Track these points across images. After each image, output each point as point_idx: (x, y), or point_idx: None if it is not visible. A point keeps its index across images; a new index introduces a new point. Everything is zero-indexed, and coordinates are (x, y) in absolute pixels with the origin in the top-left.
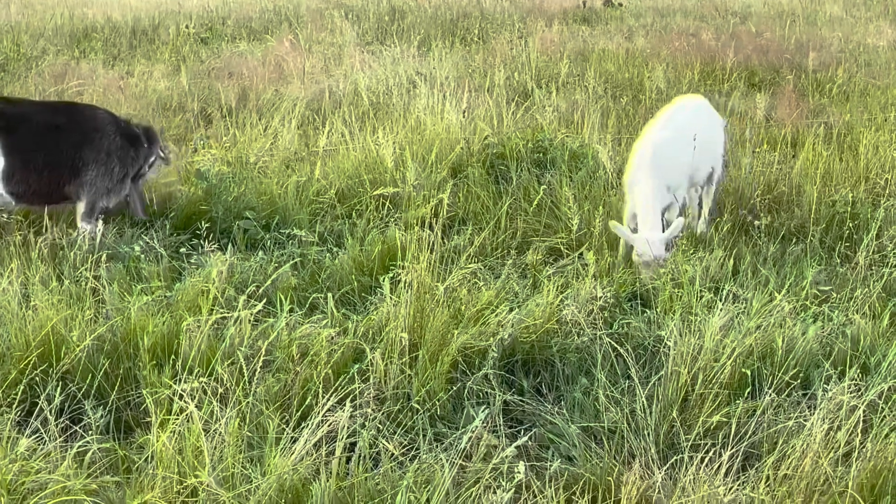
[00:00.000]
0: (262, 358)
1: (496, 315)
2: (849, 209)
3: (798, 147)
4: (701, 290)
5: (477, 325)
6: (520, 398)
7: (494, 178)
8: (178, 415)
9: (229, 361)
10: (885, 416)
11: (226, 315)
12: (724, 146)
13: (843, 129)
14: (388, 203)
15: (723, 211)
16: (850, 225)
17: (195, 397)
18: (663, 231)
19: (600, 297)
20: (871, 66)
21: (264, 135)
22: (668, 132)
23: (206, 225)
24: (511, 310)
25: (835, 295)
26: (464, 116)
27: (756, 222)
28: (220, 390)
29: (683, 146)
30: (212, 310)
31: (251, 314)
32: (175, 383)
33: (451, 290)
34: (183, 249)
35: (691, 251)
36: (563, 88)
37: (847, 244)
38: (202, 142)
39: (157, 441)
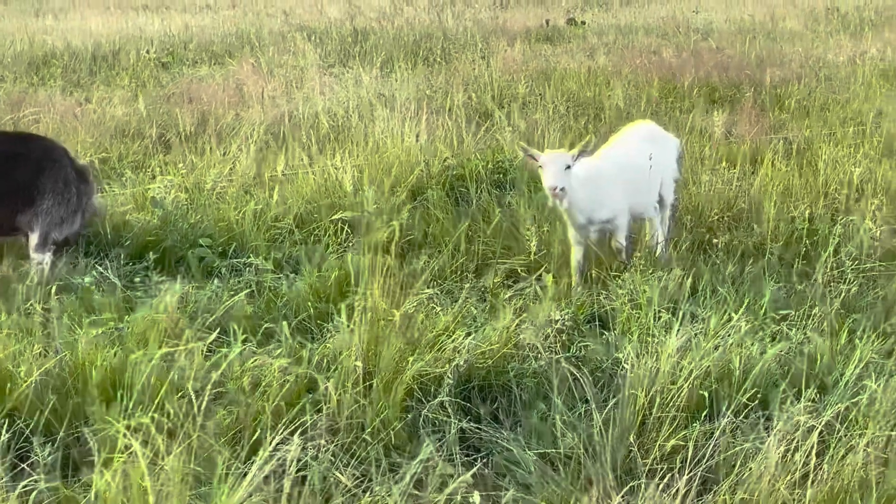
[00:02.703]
0: (212, 390)
1: (453, 341)
2: (807, 226)
3: (758, 163)
4: (659, 311)
5: (433, 351)
6: (476, 425)
7: (454, 200)
8: (123, 453)
9: (179, 395)
10: (841, 438)
11: (177, 346)
12: (678, 169)
13: (802, 145)
14: (346, 227)
15: (682, 230)
16: (809, 242)
17: (142, 433)
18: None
19: (558, 320)
20: (831, 80)
21: (223, 160)
22: (601, 163)
23: (161, 253)
24: (468, 335)
25: (793, 313)
26: (420, 139)
27: (715, 240)
28: (169, 425)
29: (614, 179)
30: (163, 342)
31: (203, 345)
32: (123, 419)
33: (407, 316)
34: (137, 279)
35: (650, 271)
36: (524, 108)
37: (805, 261)
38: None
39: (101, 480)
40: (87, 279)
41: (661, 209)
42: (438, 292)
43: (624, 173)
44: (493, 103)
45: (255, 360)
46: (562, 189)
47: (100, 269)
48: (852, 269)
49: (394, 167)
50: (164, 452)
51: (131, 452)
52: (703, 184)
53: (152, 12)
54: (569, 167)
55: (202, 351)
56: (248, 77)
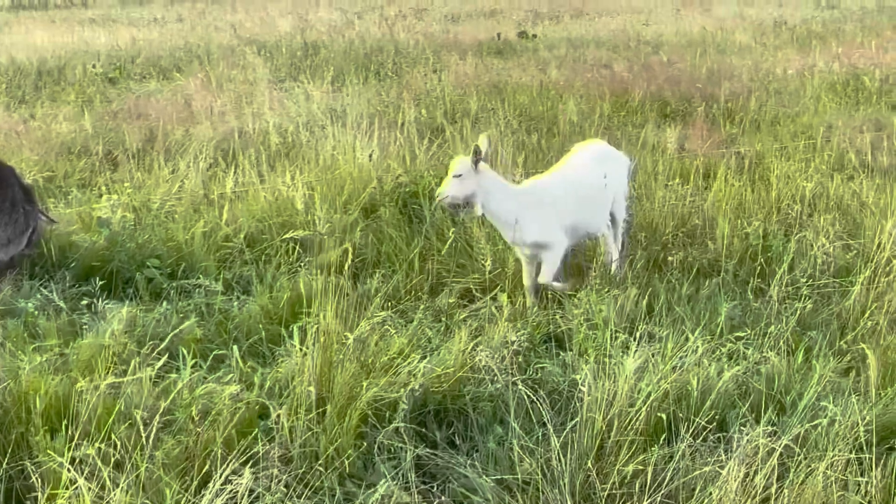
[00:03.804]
0: (161, 419)
1: (408, 364)
2: (761, 242)
3: (710, 178)
4: (616, 331)
5: (388, 375)
6: (432, 451)
7: (407, 218)
8: (68, 487)
9: (127, 424)
10: (801, 461)
11: (125, 373)
12: (629, 186)
13: (754, 159)
14: (298, 247)
15: (637, 247)
16: (763, 258)
17: (88, 465)
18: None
19: (514, 342)
20: (780, 94)
21: (171, 178)
22: (543, 182)
23: (108, 275)
24: (423, 358)
25: (749, 331)
26: (373, 155)
27: (670, 258)
28: (116, 456)
29: (555, 201)
30: (110, 368)
31: (152, 371)
32: (69, 450)
33: (361, 339)
34: (84, 302)
35: (605, 290)
36: (476, 123)
37: (760, 278)
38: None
39: None
40: (31, 304)
41: (612, 227)
42: (393, 314)
43: (570, 194)
44: (445, 119)
45: (206, 386)
46: (446, 198)
47: (45, 292)
48: (807, 286)
49: (346, 184)
50: (110, 486)
51: (76, 487)
52: (657, 200)
53: (99, 26)
54: (458, 176)
55: (150, 378)
56: (197, 92)
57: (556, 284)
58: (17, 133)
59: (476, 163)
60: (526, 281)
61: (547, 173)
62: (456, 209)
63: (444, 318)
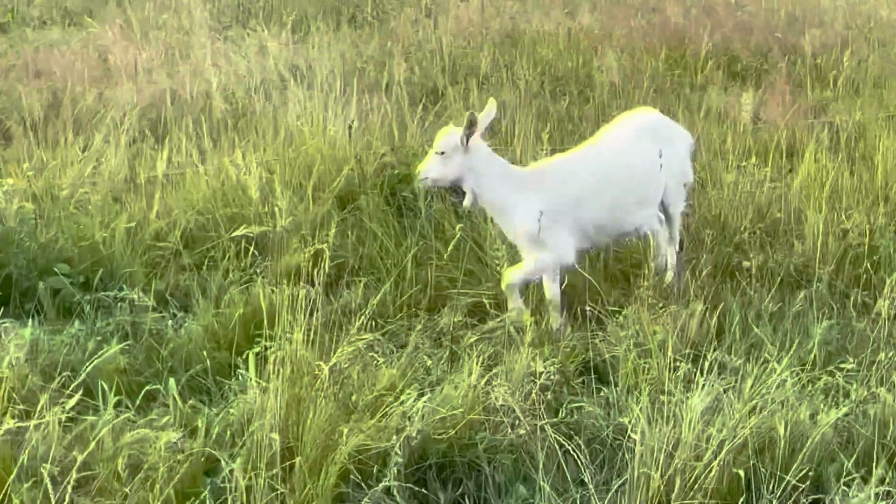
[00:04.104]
0: (77, 476)
1: (401, 403)
2: (865, 241)
3: (796, 158)
4: (675, 360)
5: (375, 418)
6: None
7: (397, 210)
8: None
9: (31, 482)
10: None
11: (27, 413)
12: (689, 171)
13: (853, 133)
14: (252, 248)
15: (700, 248)
16: (868, 263)
17: None
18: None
19: (541, 374)
20: (885, 46)
21: (83, 157)
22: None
23: (1, 285)
24: (421, 395)
25: (851, 360)
26: (351, 129)
27: (745, 263)
28: None
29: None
30: (6, 409)
31: (62, 413)
32: None
33: (338, 369)
34: None
35: (660, 306)
36: (485, 85)
37: (864, 290)
38: None
39: None
40: None
41: (666, 223)
42: (380, 337)
43: (599, 179)
44: (444, 79)
45: (134, 432)
46: (425, 180)
47: None
48: None
49: (315, 165)
50: None
51: None
52: (727, 186)
53: None
54: (441, 153)
55: (60, 421)
56: (116, 43)
57: (519, 304)
58: None
59: (468, 137)
60: (550, 291)
61: (571, 151)
62: (456, 196)
63: (447, 343)
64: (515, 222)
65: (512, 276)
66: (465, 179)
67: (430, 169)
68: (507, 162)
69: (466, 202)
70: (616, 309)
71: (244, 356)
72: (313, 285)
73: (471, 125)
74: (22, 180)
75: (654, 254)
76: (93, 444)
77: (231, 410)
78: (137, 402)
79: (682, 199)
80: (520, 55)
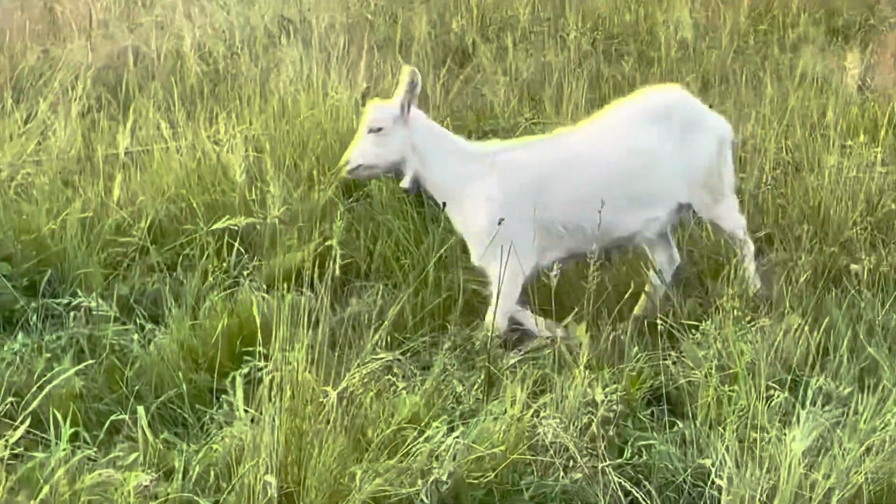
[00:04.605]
0: None
1: (426, 439)
2: None
3: None
4: (769, 387)
5: (395, 457)
6: None
7: (416, 199)
8: None
9: None
10: None
11: None
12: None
13: None
14: (237, 244)
15: (797, 248)
16: None
17: None
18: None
19: (601, 403)
20: None
21: (25, 130)
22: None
23: None
24: (451, 428)
25: None
26: (355, 93)
27: (853, 266)
28: None
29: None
30: None
31: (4, 449)
32: None
33: (349, 397)
34: None
35: (748, 319)
36: (526, 42)
37: None
38: None
39: None
40: None
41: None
42: (399, 356)
43: (578, 169)
44: (475, 34)
45: (96, 473)
46: (357, 168)
47: None
48: None
49: (313, 142)
50: None
51: None
52: (828, 171)
53: None
54: (377, 130)
55: (2, 459)
56: None
57: (528, 323)
58: None
59: (406, 106)
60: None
61: (555, 134)
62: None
63: (482, 364)
64: (468, 212)
65: (495, 317)
66: (407, 160)
67: (364, 152)
68: (456, 137)
69: (406, 184)
70: (692, 323)
71: (229, 379)
72: (319, 291)
73: (411, 87)
74: None
75: (653, 277)
76: (45, 489)
77: (214, 446)
78: (100, 435)
79: (714, 201)
80: (566, 5)
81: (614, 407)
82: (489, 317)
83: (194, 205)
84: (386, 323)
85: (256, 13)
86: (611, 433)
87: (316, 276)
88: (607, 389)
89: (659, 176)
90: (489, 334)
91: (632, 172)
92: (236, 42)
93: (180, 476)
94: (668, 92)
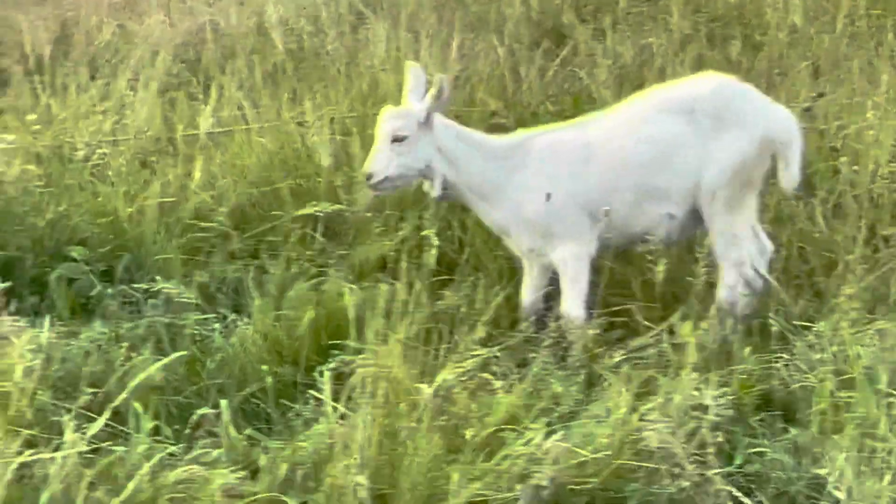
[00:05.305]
0: None
1: (526, 442)
2: None
3: None
4: (888, 394)
5: (492, 459)
6: None
7: None
8: None
9: None
10: None
11: (36, 440)
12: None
13: None
14: (321, 231)
15: None
16: None
17: None
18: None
19: (710, 408)
20: None
21: (102, 107)
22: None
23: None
24: (551, 431)
25: None
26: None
27: None
28: None
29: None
30: (13, 432)
31: (82, 440)
32: None
33: (444, 394)
34: None
35: (865, 320)
36: (625, 24)
37: None
38: None
39: None
40: None
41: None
42: (498, 352)
43: (594, 158)
44: (571, 16)
45: (179, 469)
46: (383, 181)
47: None
48: None
49: None
50: None
51: None
52: None
53: None
54: (402, 139)
55: (80, 452)
56: None
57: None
58: None
59: (430, 112)
60: (524, 294)
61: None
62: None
63: (583, 362)
64: (512, 206)
65: (569, 308)
66: (434, 166)
67: (388, 164)
68: (476, 132)
69: (436, 191)
70: (805, 324)
71: (316, 373)
72: (414, 282)
73: (440, 94)
74: (24, 135)
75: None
76: (131, 486)
77: (301, 444)
78: (182, 429)
79: (737, 209)
80: None
81: (723, 411)
82: (564, 305)
83: (277, 190)
84: (483, 318)
85: None
86: (720, 439)
87: (402, 266)
88: (716, 393)
89: (673, 170)
90: (570, 325)
91: (644, 162)
92: (322, 18)
93: (266, 476)
94: (703, 82)
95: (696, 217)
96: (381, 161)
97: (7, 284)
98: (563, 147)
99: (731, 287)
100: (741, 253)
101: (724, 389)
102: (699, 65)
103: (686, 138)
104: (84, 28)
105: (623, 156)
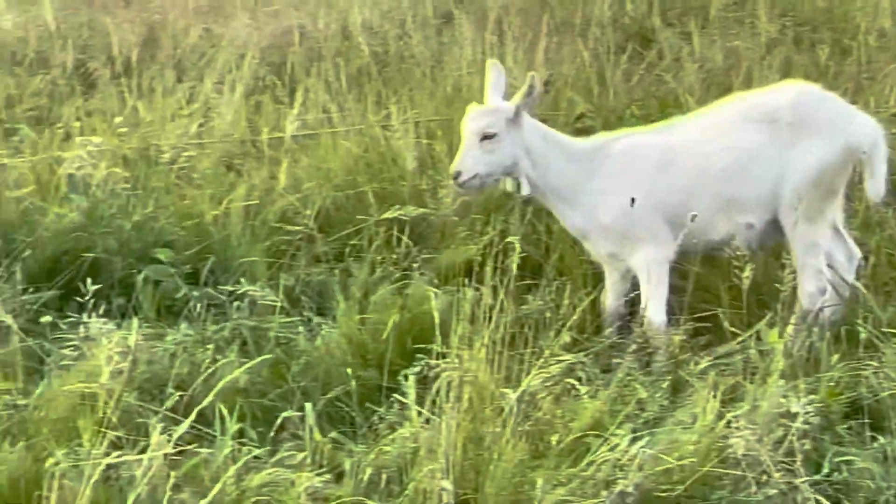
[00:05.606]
0: None
1: (610, 447)
2: None
3: None
4: None
5: (578, 465)
6: None
7: None
8: None
9: None
10: None
11: (122, 441)
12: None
13: None
14: (406, 235)
15: None
16: None
17: None
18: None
19: (798, 415)
20: None
21: (188, 110)
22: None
23: (85, 273)
24: (636, 437)
25: None
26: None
27: None
28: None
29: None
30: (99, 434)
31: (168, 441)
32: None
33: (530, 400)
34: (46, 318)
35: None
36: (712, 27)
37: None
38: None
39: None
40: None
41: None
42: (584, 358)
43: (674, 162)
44: (657, 19)
45: (264, 472)
46: (472, 179)
47: None
48: None
49: None
50: None
51: None
52: None
53: None
54: (491, 136)
55: (166, 454)
56: None
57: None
58: None
59: (520, 109)
60: (606, 299)
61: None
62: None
63: (669, 368)
64: (591, 209)
65: (653, 315)
66: (520, 165)
67: (477, 161)
68: (559, 133)
69: (525, 190)
70: (894, 331)
71: (401, 377)
72: (499, 287)
73: (531, 91)
74: (111, 138)
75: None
76: (216, 488)
77: (385, 448)
78: (268, 433)
79: (818, 218)
80: None
81: (811, 419)
82: (646, 310)
83: (362, 193)
84: (569, 323)
85: None
86: (807, 447)
87: (487, 270)
88: (803, 400)
89: (753, 178)
90: (652, 330)
91: (724, 170)
92: (407, 21)
93: (353, 480)
94: (784, 90)
95: (776, 226)
96: (469, 159)
97: (95, 287)
98: (642, 151)
99: (811, 295)
100: (821, 261)
101: (812, 397)
102: (787, 69)
103: (767, 147)
104: (170, 31)
105: (704, 162)
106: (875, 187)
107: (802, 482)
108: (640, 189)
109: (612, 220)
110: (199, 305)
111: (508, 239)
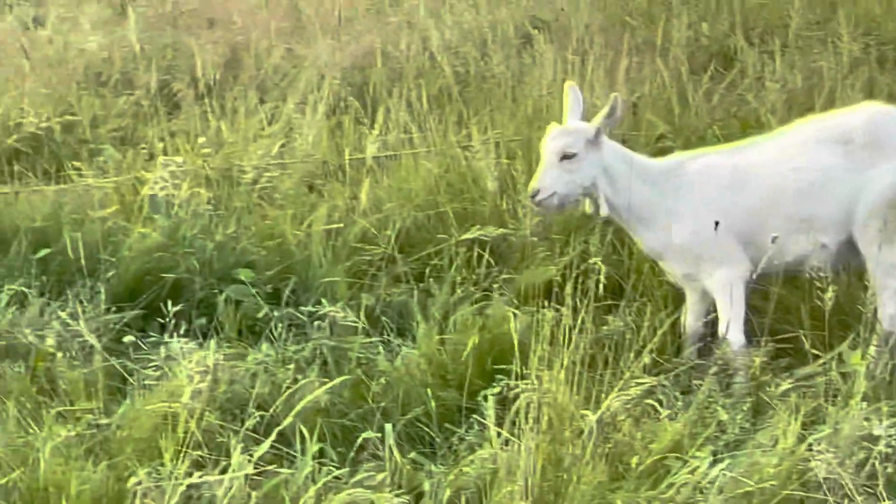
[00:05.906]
0: None
1: (690, 469)
2: None
3: None
4: None
5: (657, 488)
6: None
7: None
8: None
9: None
10: None
11: (204, 461)
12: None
13: None
14: (487, 255)
15: None
16: None
17: None
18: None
19: (881, 438)
20: None
21: (269, 130)
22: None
23: (167, 293)
24: (717, 459)
25: None
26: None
27: None
28: None
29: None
30: (181, 452)
31: (250, 462)
32: None
33: (609, 421)
34: (129, 338)
35: None
36: (794, 46)
37: None
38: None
39: None
40: (48, 339)
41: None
42: (664, 380)
43: (747, 183)
44: (739, 39)
45: (344, 493)
46: (550, 197)
47: (65, 318)
48: None
49: None
50: None
51: None
52: None
53: None
54: (571, 156)
55: (247, 474)
56: None
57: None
58: (20, 47)
59: (601, 130)
60: (686, 320)
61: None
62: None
63: (750, 390)
64: (666, 230)
65: (729, 331)
66: (599, 185)
67: (555, 181)
68: (635, 153)
69: (603, 211)
70: None
71: (480, 397)
72: (576, 309)
73: (613, 112)
74: (194, 158)
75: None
76: None
77: (466, 469)
78: (348, 453)
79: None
80: (837, 7)
81: (893, 442)
82: (724, 331)
83: (443, 213)
84: (649, 345)
85: (506, 13)
86: (890, 470)
87: (567, 291)
88: (886, 423)
89: (827, 199)
90: (731, 351)
91: (798, 191)
92: (488, 42)
93: (430, 501)
94: (860, 111)
95: (852, 248)
96: (548, 178)
97: (177, 307)
98: (716, 171)
99: (892, 317)
100: None
101: (895, 419)
102: (870, 89)
103: (841, 169)
104: (253, 52)
105: (778, 183)
106: None
107: None
108: (712, 210)
109: (684, 241)
110: (279, 325)
111: (591, 260)
